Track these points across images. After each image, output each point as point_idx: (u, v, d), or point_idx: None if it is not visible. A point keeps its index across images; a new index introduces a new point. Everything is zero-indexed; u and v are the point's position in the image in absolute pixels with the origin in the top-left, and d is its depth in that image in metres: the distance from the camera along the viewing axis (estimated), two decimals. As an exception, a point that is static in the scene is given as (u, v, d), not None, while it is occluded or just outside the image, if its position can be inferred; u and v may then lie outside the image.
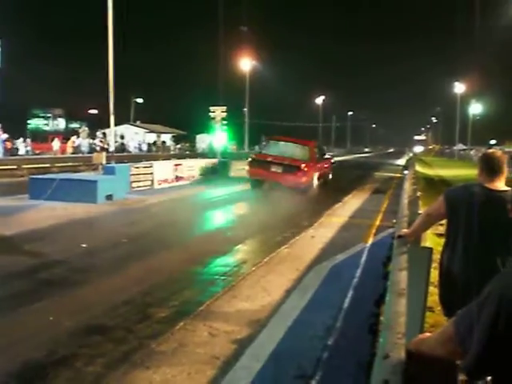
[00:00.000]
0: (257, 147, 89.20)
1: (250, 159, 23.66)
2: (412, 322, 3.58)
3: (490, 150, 4.85)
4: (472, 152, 76.93)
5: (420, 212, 9.27)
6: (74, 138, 48.81)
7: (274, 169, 21.78)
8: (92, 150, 43.97)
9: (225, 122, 36.23)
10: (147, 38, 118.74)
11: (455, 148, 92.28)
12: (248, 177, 23.47)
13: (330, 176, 26.55)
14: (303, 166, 21.52)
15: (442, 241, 9.87)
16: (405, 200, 10.77)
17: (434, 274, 4.86)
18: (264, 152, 24.00)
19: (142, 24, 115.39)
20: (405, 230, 5.25)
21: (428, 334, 1.87)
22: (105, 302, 7.28)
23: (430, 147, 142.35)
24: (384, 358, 2.63)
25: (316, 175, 22.91)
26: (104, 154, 27.21)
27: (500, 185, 4.09)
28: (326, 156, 26.96)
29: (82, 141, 49.39)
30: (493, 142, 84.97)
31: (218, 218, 15.96)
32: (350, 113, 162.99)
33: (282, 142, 24.10)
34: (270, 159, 22.09)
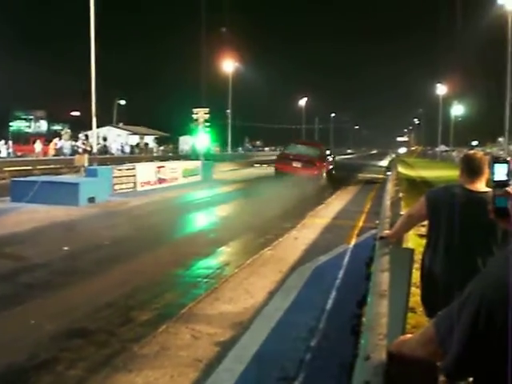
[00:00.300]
0: (240, 149, 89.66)
1: (276, 157, 32.94)
2: (394, 322, 3.58)
3: (471, 152, 4.88)
4: (454, 153, 77.48)
5: (402, 213, 9.34)
6: (56, 140, 48.52)
7: (294, 164, 28.67)
8: (74, 152, 43.66)
9: (207, 124, 36.20)
10: (130, 40, 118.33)
11: (437, 149, 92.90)
12: (275, 170, 30.69)
13: (333, 171, 33.50)
14: (317, 162, 28.51)
15: (424, 241, 9.95)
16: (387, 201, 10.81)
17: (416, 275, 4.89)
18: (286, 152, 31.04)
19: (124, 26, 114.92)
20: (387, 232, 5.26)
21: (409, 336, 1.87)
22: (87, 304, 7.23)
23: (413, 148, 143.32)
24: (365, 359, 2.63)
25: (324, 169, 29.68)
26: (86, 156, 27.03)
27: (480, 186, 4.12)
28: (330, 155, 34.50)
29: (65, 143, 49.07)
30: (474, 143, 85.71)
31: (201, 220, 15.93)
32: (333, 114, 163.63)
33: (300, 145, 32.23)
34: (291, 157, 29.06)
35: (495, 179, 1.78)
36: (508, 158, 1.89)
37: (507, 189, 1.71)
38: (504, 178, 1.76)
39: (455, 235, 4.05)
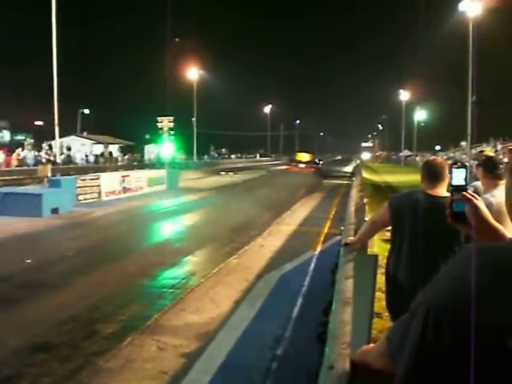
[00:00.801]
0: (206, 157, 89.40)
1: (287, 161, 58.84)
2: (359, 329, 3.59)
3: (431, 158, 4.93)
4: (417, 158, 78.46)
5: (366, 219, 9.41)
6: (18, 151, 47.72)
7: (300, 165, 51.17)
8: (38, 162, 43.07)
9: (172, 132, 35.98)
10: (95, 49, 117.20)
11: (401, 154, 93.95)
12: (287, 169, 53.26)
13: (319, 170, 51.86)
14: (312, 163, 51.52)
15: (389, 246, 10.03)
16: (351, 207, 10.89)
17: (382, 280, 4.90)
18: (293, 158, 56.47)
19: (88, 35, 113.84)
20: (351, 238, 5.28)
21: (372, 345, 1.86)
22: (50, 318, 7.11)
23: (377, 154, 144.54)
24: (329, 368, 2.62)
25: (316, 167, 51.52)
26: (49, 166, 26.70)
27: (442, 191, 4.16)
28: (318, 159, 57.80)
29: (28, 153, 48.36)
30: (438, 147, 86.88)
31: (167, 230, 15.82)
32: (298, 121, 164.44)
33: (299, 152, 58.02)
34: (297, 161, 53.07)
35: (453, 184, 1.80)
36: (466, 164, 1.92)
37: (464, 193, 1.72)
38: (462, 182, 1.78)
39: (419, 240, 4.10)
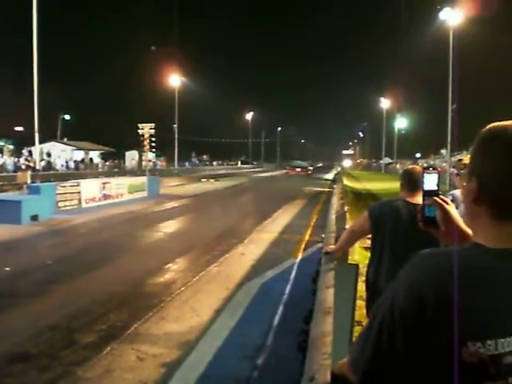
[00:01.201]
0: (187, 163, 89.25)
1: (287, 167, 75.54)
2: (340, 338, 3.59)
3: (410, 166, 4.97)
4: (397, 165, 78.91)
5: (347, 227, 9.43)
6: (-3, 157, 47.31)
7: (297, 170, 69.01)
8: (17, 168, 42.70)
9: (153, 139, 35.86)
10: (76, 55, 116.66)
11: (382, 162, 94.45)
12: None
13: (311, 172, 70.78)
14: (306, 168, 71.19)
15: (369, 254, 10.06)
16: (332, 215, 10.92)
17: (362, 288, 4.92)
18: (291, 164, 76.90)
19: (69, 40, 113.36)
20: (331, 247, 5.29)
21: None
22: (29, 327, 7.01)
23: (358, 161, 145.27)
24: (310, 380, 2.61)
25: (308, 171, 69.14)
26: (29, 172, 26.45)
27: (421, 199, 4.18)
28: (310, 165, 79.51)
29: (7, 159, 47.96)
30: (418, 155, 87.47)
31: (147, 237, 15.69)
32: (279, 128, 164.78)
33: (297, 161, 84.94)
34: (294, 166, 72.20)
35: (425, 188, 1.82)
36: (438, 168, 1.94)
37: (435, 198, 1.74)
38: (434, 187, 1.80)
39: (399, 248, 4.12)
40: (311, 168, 76.80)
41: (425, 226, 1.82)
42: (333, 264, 4.85)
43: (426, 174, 1.83)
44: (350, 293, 4.84)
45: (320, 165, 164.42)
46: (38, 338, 6.61)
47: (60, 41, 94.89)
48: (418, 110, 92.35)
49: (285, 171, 74.56)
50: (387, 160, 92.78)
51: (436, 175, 1.82)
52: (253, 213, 21.39)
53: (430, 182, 1.81)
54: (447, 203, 1.74)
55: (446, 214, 1.71)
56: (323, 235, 14.23)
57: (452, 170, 29.25)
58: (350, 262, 6.52)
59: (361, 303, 5.21)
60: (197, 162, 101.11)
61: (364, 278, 4.91)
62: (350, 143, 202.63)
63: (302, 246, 13.47)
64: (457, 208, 1.93)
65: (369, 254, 10.48)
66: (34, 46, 26.67)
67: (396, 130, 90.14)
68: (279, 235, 15.40)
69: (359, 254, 10.01)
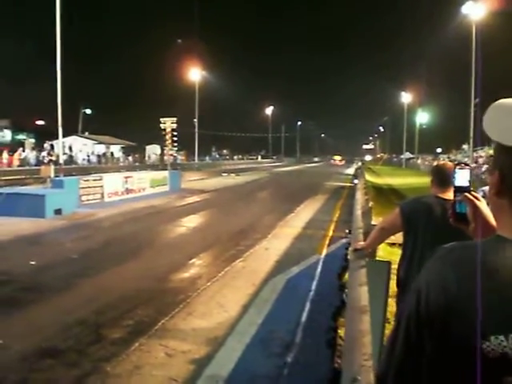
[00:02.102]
0: (207, 158, 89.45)
1: (330, 160, 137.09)
2: (373, 336, 3.52)
3: (441, 162, 4.93)
4: (419, 160, 78.45)
5: (373, 223, 9.34)
6: (20, 150, 47.67)
7: (337, 162, 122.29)
8: (39, 162, 43.03)
9: (175, 133, 35.95)
10: (97, 48, 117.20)
11: (402, 156, 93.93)
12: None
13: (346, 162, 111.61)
14: (343, 159, 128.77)
15: (394, 250, 10.01)
16: (358, 211, 10.80)
17: (393, 286, 4.85)
18: (332, 157, 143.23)
19: (91, 34, 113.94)
20: (361, 243, 5.21)
21: None
22: (56, 322, 7.01)
23: (378, 156, 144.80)
24: (352, 381, 2.54)
25: (344, 161, 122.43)
26: (52, 166, 26.60)
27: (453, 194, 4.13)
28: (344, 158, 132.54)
29: (29, 153, 48.35)
30: (439, 150, 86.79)
31: (171, 232, 15.70)
32: (299, 123, 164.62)
33: (336, 156, 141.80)
34: (335, 158, 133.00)
35: (456, 184, 1.79)
36: (472, 165, 1.91)
37: (466, 194, 1.70)
38: (465, 183, 1.77)
39: (431, 244, 4.04)
40: (345, 160, 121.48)
41: (455, 222, 1.80)
42: (364, 261, 4.77)
43: (457, 170, 1.81)
44: (382, 291, 4.78)
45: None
46: (66, 334, 6.59)
47: (82, 34, 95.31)
48: (439, 105, 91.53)
49: (328, 162, 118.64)
50: (408, 155, 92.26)
51: (468, 171, 1.80)
52: (275, 207, 21.34)
53: (462, 177, 1.79)
54: (478, 199, 1.70)
55: (477, 210, 1.68)
56: (347, 230, 14.18)
57: (472, 164, 28.95)
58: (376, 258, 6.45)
59: (390, 301, 5.12)
60: (217, 156, 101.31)
61: (394, 276, 4.85)
62: (371, 138, 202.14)
63: (326, 242, 13.39)
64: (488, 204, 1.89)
65: (393, 250, 10.45)
66: (57, 41, 26.77)
67: (417, 125, 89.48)
68: (303, 230, 15.33)
69: (383, 250, 9.91)
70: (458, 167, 1.82)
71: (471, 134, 41.19)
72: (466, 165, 1.84)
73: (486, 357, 1.13)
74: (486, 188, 5.88)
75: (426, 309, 1.21)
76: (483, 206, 1.69)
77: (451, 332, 1.17)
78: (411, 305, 1.25)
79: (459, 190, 1.78)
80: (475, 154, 46.27)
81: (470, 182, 1.78)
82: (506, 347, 1.13)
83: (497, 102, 1.35)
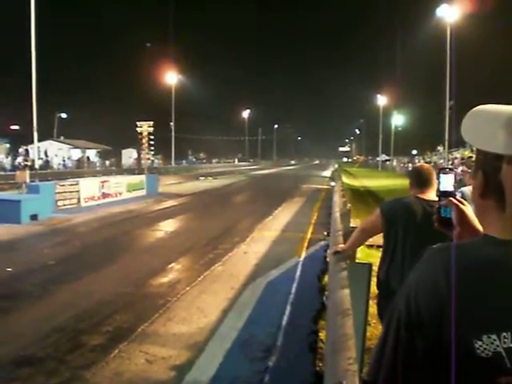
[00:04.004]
0: (184, 161, 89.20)
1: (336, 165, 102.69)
2: (355, 339, 3.50)
3: (418, 164, 5.02)
4: (394, 162, 79.09)
5: (352, 225, 9.36)
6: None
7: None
8: (15, 167, 42.56)
9: (151, 137, 35.82)
10: (72, 52, 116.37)
11: (378, 159, 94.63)
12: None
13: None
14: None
15: (372, 252, 10.03)
16: (336, 213, 10.80)
17: (374, 287, 4.86)
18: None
19: (66, 38, 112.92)
20: (341, 246, 5.21)
21: None
22: (34, 330, 6.90)
23: (355, 158, 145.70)
24: (336, 385, 2.52)
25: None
26: (27, 171, 26.30)
27: (432, 195, 4.22)
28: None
29: (4, 158, 47.81)
30: (414, 152, 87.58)
31: (149, 236, 15.58)
32: (276, 126, 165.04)
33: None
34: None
35: (441, 189, 1.78)
36: (456, 170, 1.91)
37: (451, 199, 1.69)
38: (450, 188, 1.77)
39: (412, 245, 4.08)
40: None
41: (440, 227, 1.78)
42: (344, 263, 4.77)
43: (442, 175, 1.80)
44: (363, 293, 4.78)
45: (317, 162, 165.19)
46: (44, 341, 6.48)
47: (55, 38, 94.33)
48: (414, 107, 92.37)
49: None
50: (384, 157, 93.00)
51: (452, 176, 1.80)
52: (253, 210, 21.34)
53: (446, 182, 1.79)
54: (463, 204, 1.70)
55: (462, 215, 1.67)
56: (325, 233, 14.21)
57: (462, 168, 29.20)
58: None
59: (370, 303, 5.13)
60: (194, 159, 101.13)
61: (374, 278, 4.86)
62: (347, 140, 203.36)
63: (305, 244, 13.40)
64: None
65: (371, 252, 10.47)
66: (32, 45, 26.51)
67: (393, 127, 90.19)
68: (281, 233, 15.33)
69: (362, 252, 9.94)
70: (442, 172, 1.82)
71: (446, 136, 41.56)
72: (450, 169, 1.84)
73: (479, 356, 1.13)
74: (464, 189, 5.93)
75: (416, 311, 1.20)
76: (468, 210, 1.70)
77: (442, 333, 1.16)
78: (401, 308, 1.24)
79: (444, 194, 1.77)
80: (450, 156, 46.73)
81: (454, 186, 1.78)
82: (499, 346, 1.13)
83: (474, 109, 1.35)
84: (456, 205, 1.70)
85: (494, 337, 1.13)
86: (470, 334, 1.14)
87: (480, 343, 1.13)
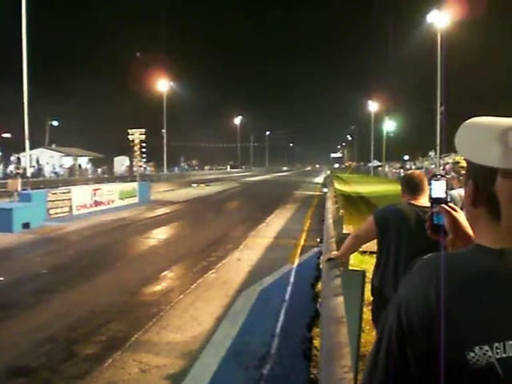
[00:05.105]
0: (176, 169, 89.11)
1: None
2: (349, 346, 3.50)
3: (410, 171, 5.08)
4: (386, 168, 79.26)
5: (345, 232, 9.37)
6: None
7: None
8: (6, 175, 42.43)
9: (143, 144, 35.77)
10: (63, 60, 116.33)
11: (370, 164, 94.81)
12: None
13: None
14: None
15: (365, 258, 10.04)
16: (329, 220, 10.82)
17: (368, 295, 4.87)
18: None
19: (57, 46, 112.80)
20: (334, 253, 5.22)
21: None
22: (27, 339, 6.86)
23: (347, 164, 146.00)
24: (331, 395, 2.52)
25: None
26: (19, 179, 26.19)
27: (424, 201, 4.27)
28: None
29: (-5, 166, 47.67)
30: (406, 157, 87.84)
31: (141, 244, 15.52)
32: (268, 132, 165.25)
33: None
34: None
35: (433, 196, 1.79)
36: (447, 176, 1.92)
37: (443, 206, 1.70)
38: (442, 195, 1.78)
39: (405, 251, 4.11)
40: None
41: (433, 234, 1.80)
42: (338, 270, 4.77)
43: (433, 182, 1.81)
44: (357, 300, 4.77)
45: (309, 168, 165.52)
46: (38, 351, 6.45)
47: (46, 45, 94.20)
48: (405, 113, 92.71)
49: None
50: (376, 163, 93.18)
51: (444, 182, 1.81)
52: (246, 217, 21.32)
53: (438, 189, 1.80)
54: (456, 210, 1.72)
55: (455, 222, 1.69)
56: (318, 239, 14.21)
57: (453, 174, 29.29)
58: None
59: (364, 309, 5.13)
60: (186, 166, 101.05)
61: (368, 284, 4.87)
62: (339, 146, 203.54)
63: (298, 251, 13.39)
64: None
65: (364, 258, 10.48)
66: (23, 52, 26.41)
67: (384, 133, 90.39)
68: (274, 240, 15.31)
69: (355, 258, 9.96)
70: (433, 179, 1.82)
71: (437, 142, 41.68)
72: (442, 176, 1.84)
73: (472, 368, 1.12)
74: (452, 192, 6.00)
75: (407, 322, 1.20)
76: (461, 216, 1.70)
77: (434, 345, 1.16)
78: (392, 318, 1.24)
79: (436, 201, 1.78)
80: (442, 161, 46.85)
81: (446, 193, 1.79)
82: (492, 357, 1.12)
83: (468, 121, 1.36)
84: (448, 212, 1.70)
85: (486, 348, 1.13)
86: (461, 345, 1.14)
87: (472, 354, 1.13)
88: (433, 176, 1.84)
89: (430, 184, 1.82)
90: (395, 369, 1.21)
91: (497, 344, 1.13)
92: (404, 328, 1.21)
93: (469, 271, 1.21)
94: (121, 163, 74.04)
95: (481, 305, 1.17)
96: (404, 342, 1.20)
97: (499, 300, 1.17)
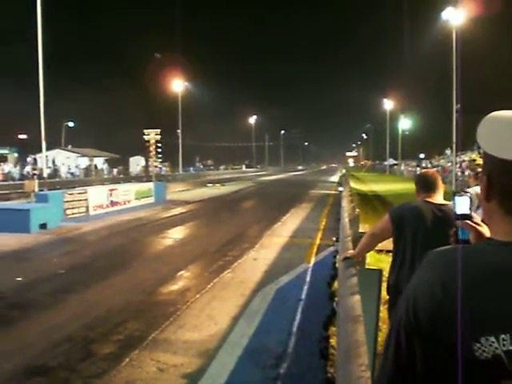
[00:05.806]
0: (191, 169, 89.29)
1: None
2: (366, 345, 3.49)
3: (424, 170, 5.10)
4: (402, 167, 78.91)
5: (361, 231, 9.34)
6: (3, 165, 47.32)
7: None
8: (23, 176, 42.76)
9: (159, 145, 35.87)
10: (79, 61, 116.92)
11: (386, 163, 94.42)
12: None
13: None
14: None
15: (382, 257, 9.99)
16: (345, 219, 10.79)
17: (384, 293, 4.85)
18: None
19: (72, 47, 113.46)
20: (351, 251, 5.21)
21: None
22: (45, 339, 6.91)
23: (362, 163, 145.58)
24: (349, 394, 2.51)
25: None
26: (36, 180, 26.40)
27: (439, 198, 4.29)
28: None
29: (12, 167, 48.03)
30: (422, 156, 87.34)
31: (157, 244, 15.58)
32: (283, 132, 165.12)
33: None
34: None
35: (458, 213, 1.77)
36: (471, 193, 1.92)
37: (468, 222, 1.70)
38: (466, 211, 1.75)
39: (422, 249, 4.08)
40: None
41: None
42: (354, 269, 4.76)
43: (457, 198, 1.79)
44: (374, 299, 4.76)
45: (324, 167, 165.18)
46: (55, 351, 6.49)
47: (62, 46, 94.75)
48: (421, 111, 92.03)
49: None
50: (391, 161, 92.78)
51: (468, 198, 1.79)
52: (261, 217, 21.33)
53: (462, 205, 1.77)
54: (480, 225, 1.70)
55: (481, 236, 1.67)
56: (334, 238, 14.19)
57: (469, 172, 29.08)
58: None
59: (381, 308, 5.11)
60: (201, 166, 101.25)
61: (385, 283, 4.85)
62: (354, 145, 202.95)
63: (314, 250, 13.37)
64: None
65: (380, 256, 10.44)
66: (39, 54, 26.61)
67: (400, 131, 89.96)
68: (290, 239, 15.31)
69: (371, 257, 9.91)
70: (456, 195, 1.82)
71: (454, 139, 41.40)
72: (465, 192, 1.84)
73: (478, 359, 1.13)
74: (470, 190, 6.00)
75: (415, 315, 1.21)
76: (485, 230, 1.70)
77: (440, 337, 1.16)
78: (401, 312, 1.25)
79: (461, 217, 1.77)
80: (458, 159, 46.58)
81: (470, 209, 1.78)
82: (498, 349, 1.12)
83: (491, 115, 1.36)
84: (473, 227, 1.70)
85: (492, 339, 1.13)
86: (468, 336, 1.13)
87: (478, 345, 1.13)
88: (456, 192, 1.84)
89: (453, 200, 1.82)
90: (404, 360, 1.22)
91: (503, 336, 1.13)
92: (411, 319, 1.21)
93: (479, 264, 1.21)
94: (136, 163, 74.32)
95: (488, 296, 1.17)
96: (411, 334, 1.21)
97: (508, 292, 1.17)
